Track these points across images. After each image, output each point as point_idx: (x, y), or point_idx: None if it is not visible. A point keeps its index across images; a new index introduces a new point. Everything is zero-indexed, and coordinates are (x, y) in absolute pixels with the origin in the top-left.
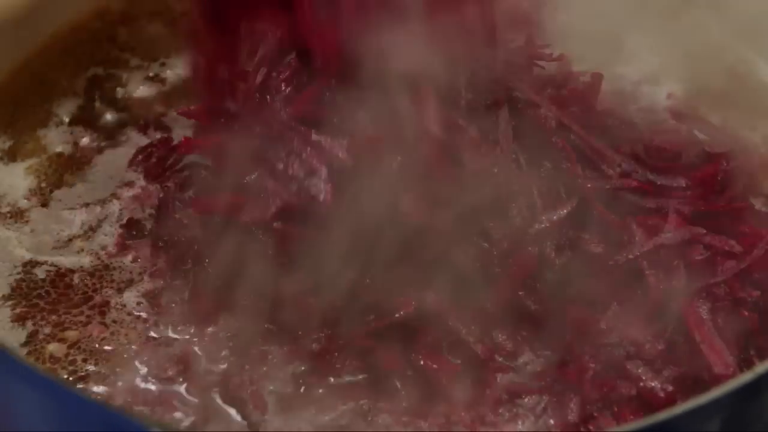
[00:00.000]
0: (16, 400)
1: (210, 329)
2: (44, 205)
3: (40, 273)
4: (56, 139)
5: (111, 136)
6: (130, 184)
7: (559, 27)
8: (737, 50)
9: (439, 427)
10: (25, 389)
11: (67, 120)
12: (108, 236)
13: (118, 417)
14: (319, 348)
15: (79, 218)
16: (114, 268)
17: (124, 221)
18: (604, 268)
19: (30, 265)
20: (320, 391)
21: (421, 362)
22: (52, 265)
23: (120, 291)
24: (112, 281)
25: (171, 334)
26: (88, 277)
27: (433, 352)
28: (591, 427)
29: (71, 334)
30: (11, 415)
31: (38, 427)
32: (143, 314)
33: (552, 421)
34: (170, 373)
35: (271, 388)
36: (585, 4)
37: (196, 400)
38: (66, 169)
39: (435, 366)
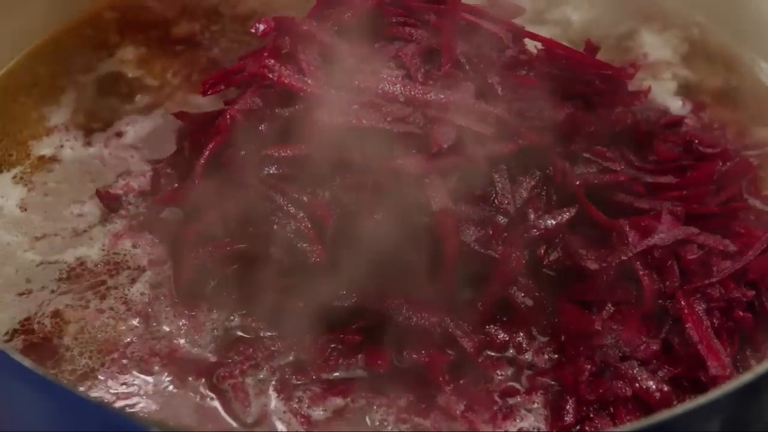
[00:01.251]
0: (16, 400)
1: (195, 320)
2: (41, 208)
3: (50, 271)
4: (45, 145)
5: (99, 139)
6: (124, 176)
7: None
8: (736, 50)
9: (434, 424)
10: (25, 389)
11: (55, 125)
12: (103, 231)
13: (118, 417)
14: (307, 343)
15: (74, 217)
16: (112, 261)
17: (114, 215)
18: (598, 269)
19: (40, 264)
20: (308, 385)
21: (414, 356)
22: (63, 262)
23: (119, 281)
24: (112, 273)
25: (160, 325)
26: (93, 268)
27: (423, 347)
28: (587, 428)
29: (72, 315)
30: (11, 415)
31: (38, 427)
32: (140, 304)
33: (549, 422)
34: (156, 365)
35: (259, 377)
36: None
37: (180, 391)
38: (54, 173)
39: (426, 359)
